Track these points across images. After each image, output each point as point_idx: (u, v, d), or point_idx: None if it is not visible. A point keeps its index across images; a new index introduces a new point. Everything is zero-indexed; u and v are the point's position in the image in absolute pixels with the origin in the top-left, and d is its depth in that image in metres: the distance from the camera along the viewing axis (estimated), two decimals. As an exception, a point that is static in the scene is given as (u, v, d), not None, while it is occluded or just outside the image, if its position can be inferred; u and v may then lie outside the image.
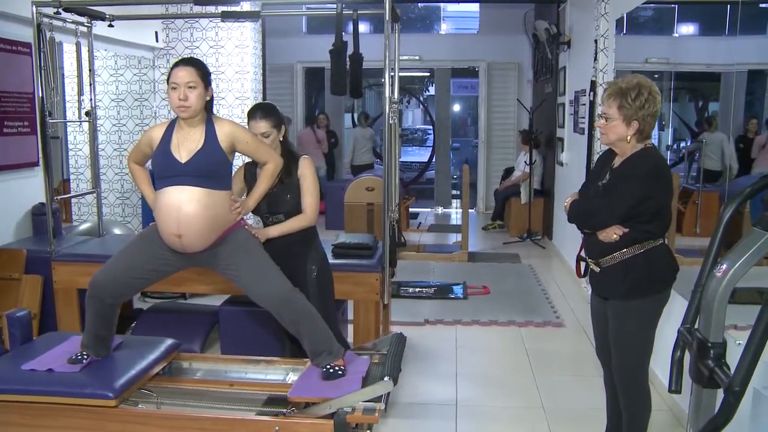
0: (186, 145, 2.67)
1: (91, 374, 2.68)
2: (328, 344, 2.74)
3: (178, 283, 4.02)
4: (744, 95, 4.14)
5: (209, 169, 2.66)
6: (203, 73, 2.69)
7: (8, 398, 2.55)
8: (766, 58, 4.10)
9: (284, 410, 2.55)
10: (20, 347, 2.89)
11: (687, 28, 5.68)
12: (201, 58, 6.61)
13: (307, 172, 3.20)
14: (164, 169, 2.69)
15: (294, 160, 3.22)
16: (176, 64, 2.69)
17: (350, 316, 3.99)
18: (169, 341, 3.01)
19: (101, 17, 4.33)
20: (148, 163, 2.96)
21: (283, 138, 3.21)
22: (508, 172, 9.26)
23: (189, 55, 6.50)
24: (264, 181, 2.90)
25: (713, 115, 5.19)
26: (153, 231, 2.78)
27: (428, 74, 14.79)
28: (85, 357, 2.75)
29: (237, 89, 6.68)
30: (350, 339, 3.85)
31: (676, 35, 5.54)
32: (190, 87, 2.62)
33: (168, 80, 2.67)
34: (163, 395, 2.78)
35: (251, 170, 3.22)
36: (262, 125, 3.09)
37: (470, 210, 8.34)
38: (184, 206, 2.61)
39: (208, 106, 2.75)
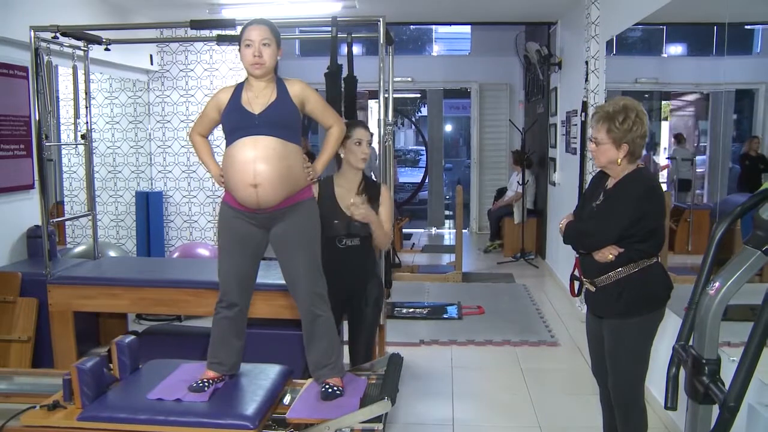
0: (258, 101, 2.63)
1: (223, 403, 2.59)
2: (334, 359, 2.75)
3: (173, 305, 4.04)
4: (732, 114, 4.22)
5: (283, 120, 2.63)
6: (276, 32, 2.68)
7: (141, 428, 2.46)
8: (753, 77, 4.18)
9: (283, 431, 2.55)
10: (130, 376, 2.81)
11: (675, 49, 5.76)
12: (195, 81, 6.74)
13: (386, 200, 3.24)
14: (237, 123, 2.63)
15: (377, 187, 3.26)
16: (249, 24, 2.67)
17: (345, 336, 3.98)
18: (283, 367, 2.93)
19: (98, 41, 4.37)
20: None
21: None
22: (501, 192, 9.30)
23: (184, 76, 6.61)
24: (330, 146, 2.84)
25: (681, 133, 5.42)
26: (225, 209, 2.72)
27: (420, 95, 14.89)
28: (207, 384, 2.69)
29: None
30: (345, 359, 3.83)
31: (665, 56, 5.61)
32: (265, 44, 2.61)
33: (240, 40, 2.65)
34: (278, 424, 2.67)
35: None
36: (366, 134, 3.16)
37: (463, 230, 8.37)
38: (261, 155, 2.56)
39: (276, 67, 2.73)
